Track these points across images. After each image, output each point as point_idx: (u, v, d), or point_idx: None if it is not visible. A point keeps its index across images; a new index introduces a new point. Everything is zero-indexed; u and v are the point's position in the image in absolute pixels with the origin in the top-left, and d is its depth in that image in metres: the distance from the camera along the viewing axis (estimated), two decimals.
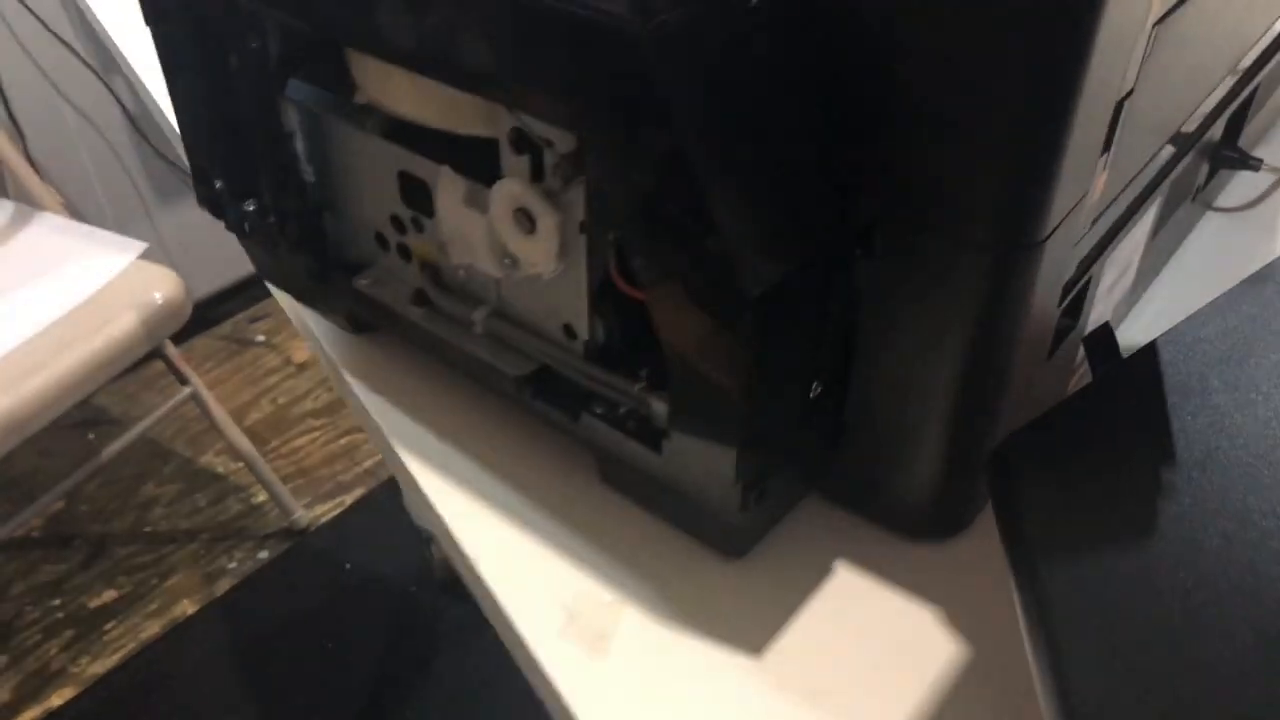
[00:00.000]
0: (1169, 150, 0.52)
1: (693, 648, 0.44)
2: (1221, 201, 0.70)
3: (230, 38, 0.49)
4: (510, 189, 0.44)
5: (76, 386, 1.28)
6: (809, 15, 0.37)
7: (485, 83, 0.40)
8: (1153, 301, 0.62)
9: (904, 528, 0.49)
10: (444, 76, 0.42)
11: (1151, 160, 0.49)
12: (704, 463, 0.43)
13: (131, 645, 1.58)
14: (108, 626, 1.62)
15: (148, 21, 0.52)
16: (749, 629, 0.45)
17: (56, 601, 1.66)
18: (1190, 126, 0.54)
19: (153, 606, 1.62)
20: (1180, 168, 0.54)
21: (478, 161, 0.45)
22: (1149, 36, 0.40)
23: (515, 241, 0.45)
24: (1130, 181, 0.48)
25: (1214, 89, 0.54)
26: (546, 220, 0.43)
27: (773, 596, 0.46)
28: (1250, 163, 0.62)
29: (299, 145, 0.53)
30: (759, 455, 0.42)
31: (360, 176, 0.52)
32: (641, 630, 0.45)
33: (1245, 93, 0.60)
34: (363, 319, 0.58)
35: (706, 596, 0.46)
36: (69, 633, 1.63)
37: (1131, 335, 0.59)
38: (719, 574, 0.47)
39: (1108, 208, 0.46)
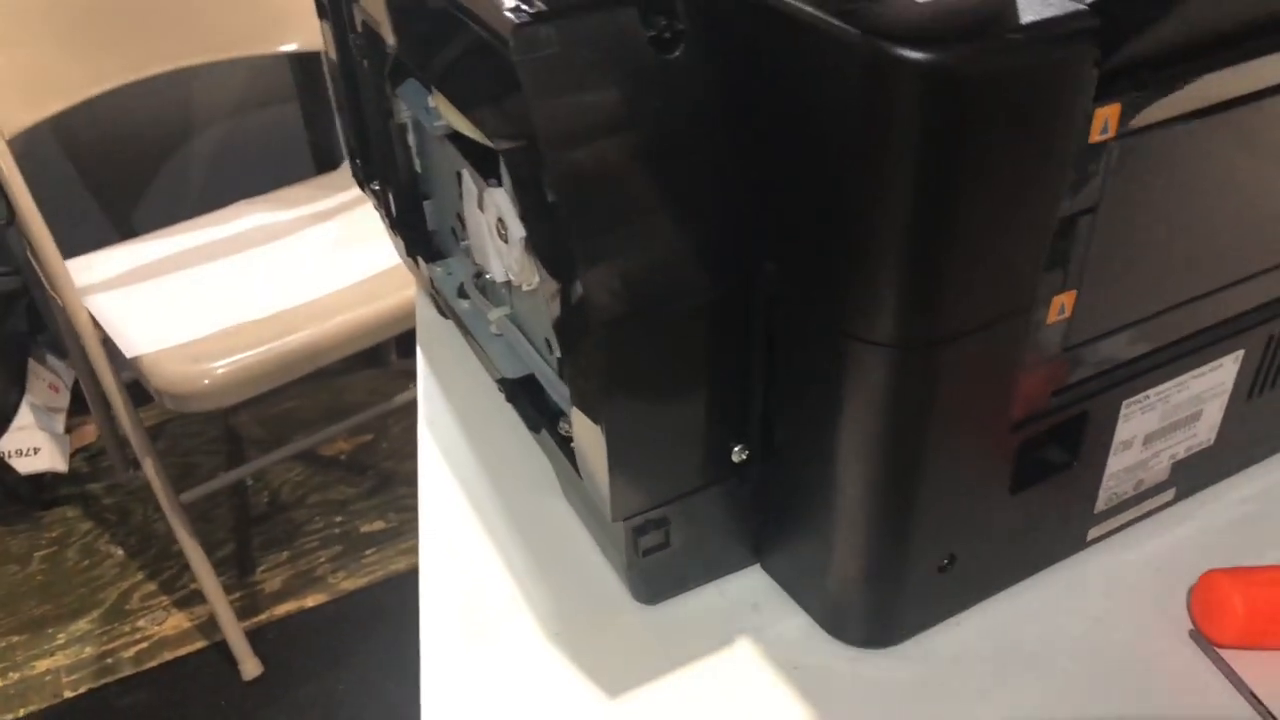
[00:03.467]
0: (1254, 295, 0.45)
1: (554, 667, 0.45)
2: None
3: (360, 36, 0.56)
4: (495, 198, 0.46)
5: (369, 334, 1.44)
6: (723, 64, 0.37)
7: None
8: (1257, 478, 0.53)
9: (827, 623, 0.46)
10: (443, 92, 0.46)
11: (1201, 300, 0.43)
12: (596, 498, 0.43)
13: (380, 573, 1.77)
14: (368, 551, 1.82)
15: (321, 16, 0.60)
16: (616, 670, 0.45)
17: (339, 519, 1.89)
18: None
19: (407, 544, 1.79)
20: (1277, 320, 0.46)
21: (493, 169, 0.49)
22: (1111, 150, 0.35)
23: (498, 249, 0.48)
24: (1151, 318, 0.42)
25: None
26: (515, 232, 0.45)
27: (658, 650, 0.45)
28: None
29: (411, 139, 0.59)
30: (638, 498, 0.42)
31: (440, 173, 0.57)
32: (525, 635, 0.46)
33: None
34: (437, 303, 0.63)
35: (597, 629, 0.46)
36: (338, 548, 1.84)
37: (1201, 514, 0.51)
38: (624, 613, 0.47)
39: (1103, 339, 0.41)
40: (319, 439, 1.88)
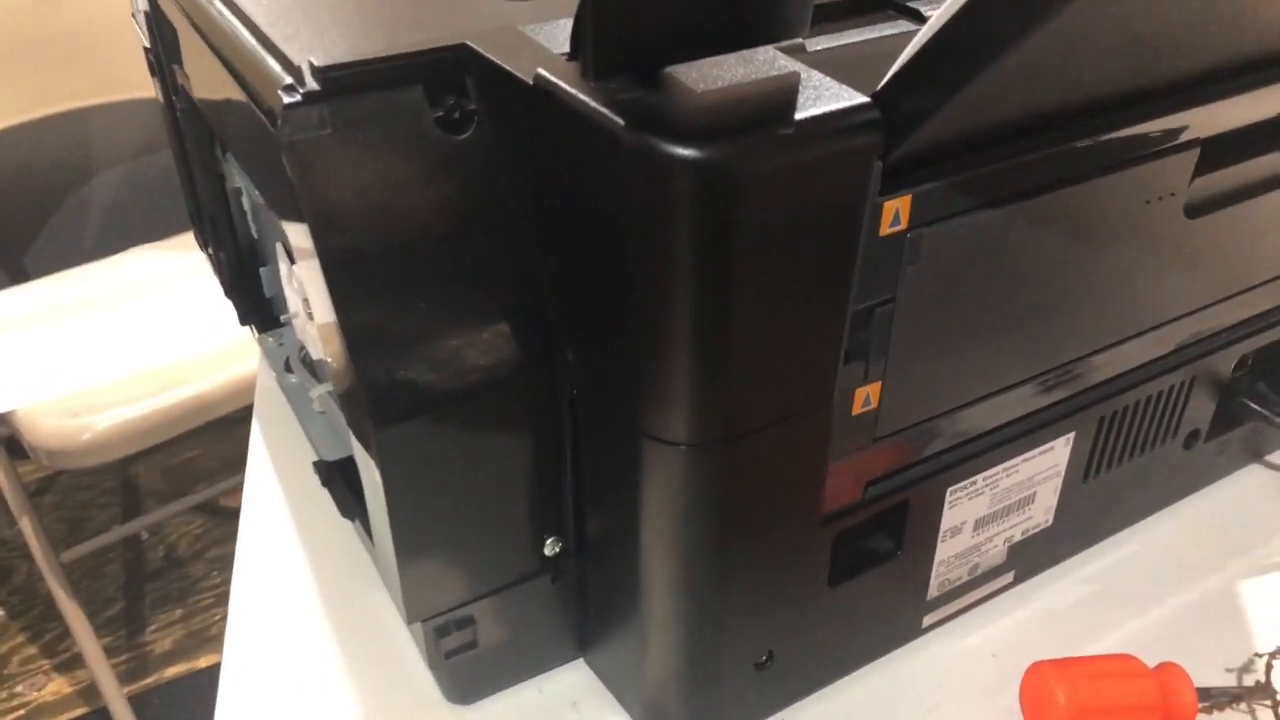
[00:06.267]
0: (1080, 378, 0.44)
1: None
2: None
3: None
4: (301, 273, 0.44)
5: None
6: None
7: None
8: (1112, 550, 0.53)
9: None
10: None
11: (1021, 386, 0.42)
12: (395, 598, 0.41)
13: None
14: None
15: (152, 73, 0.58)
16: None
17: None
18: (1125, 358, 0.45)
19: None
20: (1107, 401, 0.46)
21: None
22: (905, 241, 0.34)
23: (307, 327, 0.46)
24: (967, 405, 0.41)
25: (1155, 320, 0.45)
26: (317, 312, 0.43)
27: None
28: (1271, 418, 0.51)
29: (246, 203, 0.57)
30: (437, 597, 0.40)
31: (272, 241, 0.55)
32: None
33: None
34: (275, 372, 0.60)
35: None
36: None
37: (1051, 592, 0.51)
38: (437, 712, 0.45)
39: (915, 428, 0.40)
40: (219, 490, 1.83)
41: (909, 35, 0.38)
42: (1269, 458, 0.58)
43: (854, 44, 0.38)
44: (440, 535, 0.39)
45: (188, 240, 1.61)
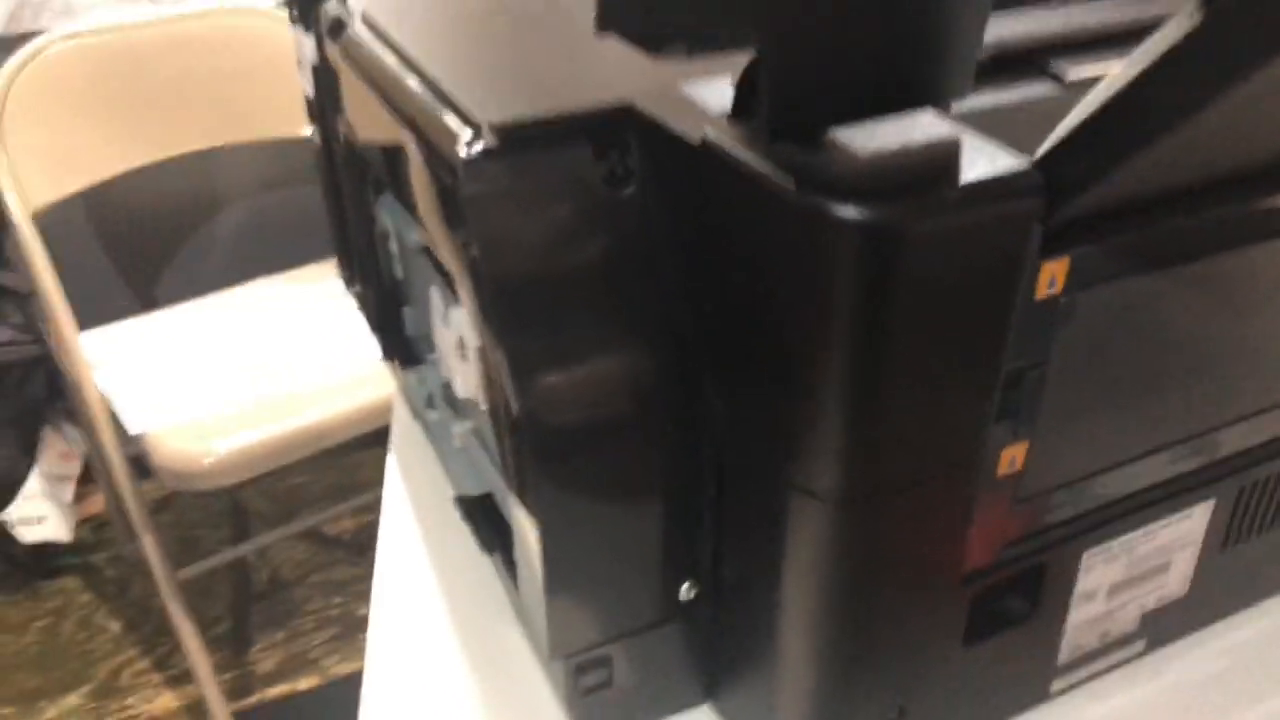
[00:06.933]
0: (1224, 445, 0.44)
1: None
2: None
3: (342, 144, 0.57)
4: (456, 317, 0.46)
5: (377, 418, 1.45)
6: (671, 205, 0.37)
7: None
8: (1241, 628, 0.51)
9: None
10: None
11: (1165, 451, 0.42)
12: (535, 634, 0.42)
13: None
14: (363, 635, 1.79)
15: (311, 120, 0.62)
16: None
17: (337, 599, 1.87)
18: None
19: None
20: (1249, 470, 0.45)
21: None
22: (1059, 305, 0.35)
23: (459, 366, 0.47)
24: (1110, 469, 0.41)
25: None
26: (471, 351, 0.45)
27: None
28: None
29: (393, 245, 0.60)
30: (579, 636, 0.41)
31: (418, 283, 0.57)
32: None
33: None
34: (413, 408, 0.63)
35: None
36: (335, 630, 1.82)
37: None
38: None
39: (1058, 491, 0.40)
40: (325, 517, 1.89)
41: (1056, 100, 0.39)
42: None
43: (1000, 106, 0.39)
44: (587, 575, 0.40)
45: (307, 273, 1.68)
